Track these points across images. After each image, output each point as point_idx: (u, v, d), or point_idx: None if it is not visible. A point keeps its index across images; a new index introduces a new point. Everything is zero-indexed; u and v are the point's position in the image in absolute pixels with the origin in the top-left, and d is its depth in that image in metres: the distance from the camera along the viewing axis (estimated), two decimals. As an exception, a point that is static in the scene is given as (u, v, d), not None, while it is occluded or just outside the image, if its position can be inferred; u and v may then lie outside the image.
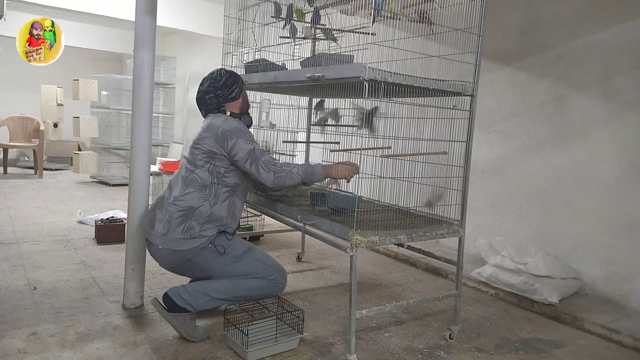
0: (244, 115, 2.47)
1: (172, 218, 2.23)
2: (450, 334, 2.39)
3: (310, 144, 3.52)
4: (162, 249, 2.25)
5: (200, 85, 2.44)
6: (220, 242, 2.26)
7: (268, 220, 4.09)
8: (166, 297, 2.22)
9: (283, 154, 3.16)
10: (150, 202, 2.52)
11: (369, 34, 2.17)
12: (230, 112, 2.45)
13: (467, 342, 2.39)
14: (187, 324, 2.19)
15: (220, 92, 2.39)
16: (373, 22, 2.00)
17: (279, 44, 2.93)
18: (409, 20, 2.28)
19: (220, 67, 2.57)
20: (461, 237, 2.36)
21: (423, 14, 2.27)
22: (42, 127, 7.29)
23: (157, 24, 2.54)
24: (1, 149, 7.25)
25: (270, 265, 2.35)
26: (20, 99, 8.91)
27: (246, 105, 2.53)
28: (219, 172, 2.29)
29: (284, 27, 2.90)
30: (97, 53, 9.38)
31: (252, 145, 2.26)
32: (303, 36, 2.88)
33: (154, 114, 3.46)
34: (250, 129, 2.46)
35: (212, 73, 2.45)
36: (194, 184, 2.28)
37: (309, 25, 2.87)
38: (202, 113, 2.48)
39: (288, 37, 2.90)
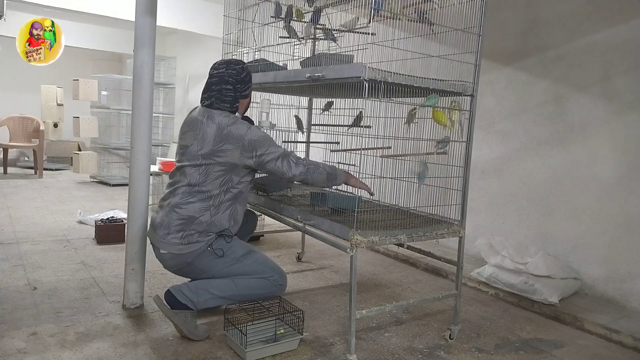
0: (247, 117, 2.47)
1: (171, 225, 2.23)
2: (450, 334, 2.39)
3: (311, 144, 3.52)
4: (165, 254, 2.27)
5: (215, 69, 2.31)
6: (219, 245, 2.27)
7: (268, 220, 4.09)
8: (168, 294, 2.23)
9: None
10: (151, 202, 2.52)
11: (369, 34, 2.17)
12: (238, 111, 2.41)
13: (467, 342, 2.39)
14: (189, 321, 2.19)
15: (240, 87, 2.34)
16: (370, 21, 2.00)
17: (279, 44, 2.93)
18: (408, 20, 2.28)
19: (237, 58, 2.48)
20: (461, 237, 2.36)
21: (423, 14, 2.27)
22: (42, 127, 7.29)
23: (157, 24, 2.53)
24: (1, 149, 7.25)
25: (270, 267, 2.35)
26: (20, 99, 8.91)
27: (246, 108, 2.50)
28: (230, 183, 2.27)
29: (284, 27, 2.90)
30: (97, 53, 9.37)
31: (282, 148, 2.27)
32: (303, 36, 2.88)
33: (154, 114, 3.46)
34: None
35: (231, 62, 2.35)
36: (198, 195, 2.25)
37: (309, 24, 2.87)
38: (204, 102, 2.31)
39: (288, 37, 2.90)
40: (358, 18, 2.62)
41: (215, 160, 2.23)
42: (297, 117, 3.16)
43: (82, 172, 6.72)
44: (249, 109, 2.54)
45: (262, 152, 2.23)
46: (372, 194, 2.39)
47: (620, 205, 2.92)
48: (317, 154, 3.26)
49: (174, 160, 2.55)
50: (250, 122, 2.45)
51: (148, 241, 2.45)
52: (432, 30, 2.27)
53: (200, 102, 2.37)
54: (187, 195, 2.25)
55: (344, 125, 2.75)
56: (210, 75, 2.33)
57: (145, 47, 2.45)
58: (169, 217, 2.24)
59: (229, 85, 2.30)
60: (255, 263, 2.31)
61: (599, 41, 3.01)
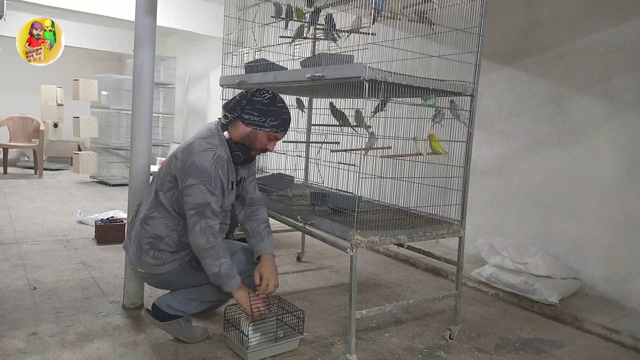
0: (237, 151, 2.11)
1: (141, 243, 2.10)
2: (450, 334, 2.39)
3: (311, 144, 3.52)
4: (143, 272, 2.19)
5: None
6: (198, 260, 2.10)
7: (268, 220, 4.08)
8: (155, 307, 2.18)
9: (284, 153, 3.16)
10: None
11: (369, 34, 2.17)
12: (230, 134, 2.13)
13: (467, 342, 2.39)
14: (183, 328, 2.16)
15: (244, 104, 2.09)
16: (373, 22, 2.00)
17: (279, 44, 2.93)
18: (408, 20, 2.28)
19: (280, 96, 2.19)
20: (461, 237, 2.36)
21: (423, 14, 2.27)
22: (42, 127, 7.29)
23: (157, 24, 2.53)
24: (1, 149, 7.25)
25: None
26: (20, 99, 8.92)
27: (252, 144, 2.12)
28: (181, 205, 2.05)
29: (285, 27, 2.90)
30: (97, 53, 9.38)
31: (210, 199, 1.97)
32: (305, 36, 2.88)
33: (154, 114, 3.47)
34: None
35: (266, 90, 2.15)
36: (160, 209, 2.10)
37: (312, 25, 2.87)
38: None
39: (289, 37, 2.90)
40: (360, 18, 2.61)
41: (169, 166, 2.10)
42: (298, 98, 3.14)
43: (82, 172, 6.72)
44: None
45: (188, 185, 1.96)
46: (254, 319, 2.07)
47: (620, 205, 2.92)
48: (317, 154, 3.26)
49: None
50: (239, 158, 2.12)
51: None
52: (433, 30, 2.27)
53: None
54: (152, 208, 2.12)
55: (345, 125, 2.75)
56: None
57: (145, 47, 2.45)
58: (139, 234, 2.11)
59: (239, 97, 2.13)
60: (240, 264, 2.19)
61: (599, 41, 3.01)
